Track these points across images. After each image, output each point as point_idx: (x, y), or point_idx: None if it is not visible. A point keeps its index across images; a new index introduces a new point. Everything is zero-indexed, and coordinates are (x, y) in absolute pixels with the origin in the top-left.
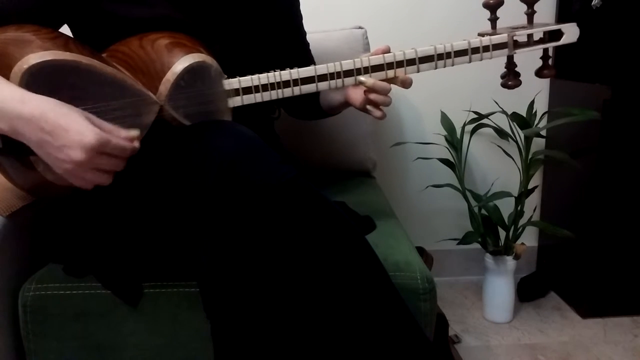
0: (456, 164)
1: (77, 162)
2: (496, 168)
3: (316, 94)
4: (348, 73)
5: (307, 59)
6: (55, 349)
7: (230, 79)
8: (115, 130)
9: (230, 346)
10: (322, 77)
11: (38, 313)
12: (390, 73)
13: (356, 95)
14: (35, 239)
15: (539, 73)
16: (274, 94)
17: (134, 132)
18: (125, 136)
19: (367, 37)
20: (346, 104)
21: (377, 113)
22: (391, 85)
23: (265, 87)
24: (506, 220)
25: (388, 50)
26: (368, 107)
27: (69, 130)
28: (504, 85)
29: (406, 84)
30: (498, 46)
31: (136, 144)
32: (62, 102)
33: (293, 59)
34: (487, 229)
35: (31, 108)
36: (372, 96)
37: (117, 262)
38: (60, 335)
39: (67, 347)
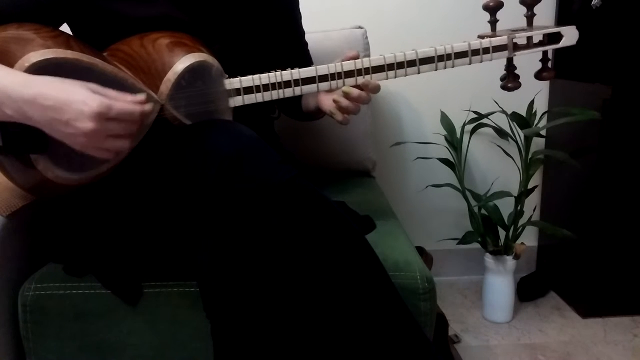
0: (456, 164)
1: (87, 132)
2: (496, 168)
3: (299, 99)
4: (349, 74)
5: (305, 59)
6: (55, 349)
7: (232, 79)
8: (120, 95)
9: (230, 346)
10: (323, 78)
11: (38, 313)
12: (361, 79)
13: (328, 101)
14: (35, 239)
15: (539, 76)
16: (275, 94)
17: (141, 96)
18: (131, 100)
19: (367, 37)
20: (320, 110)
21: (340, 117)
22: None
23: (266, 87)
24: (506, 220)
25: (357, 56)
26: (332, 110)
27: (71, 104)
28: (503, 88)
29: (375, 90)
30: (498, 48)
31: (147, 107)
32: (64, 78)
33: (292, 59)
34: (487, 229)
35: (33, 89)
36: (348, 105)
37: (117, 262)
38: (60, 335)
39: (67, 347)
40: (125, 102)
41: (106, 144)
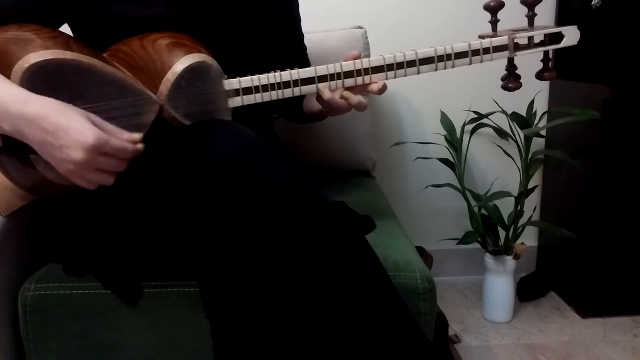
0: (456, 164)
1: (77, 162)
2: (496, 168)
3: (300, 100)
4: (348, 74)
5: (304, 62)
6: (55, 349)
7: (231, 80)
8: (117, 132)
9: (230, 346)
10: (323, 79)
11: (38, 313)
12: (361, 80)
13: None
14: (35, 239)
15: (540, 76)
16: (274, 95)
17: (137, 135)
18: (127, 138)
19: (367, 37)
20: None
21: (356, 100)
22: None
23: (265, 88)
24: (506, 220)
25: (359, 56)
26: (345, 95)
27: (69, 131)
28: (504, 88)
29: (380, 92)
30: (499, 49)
31: (139, 146)
32: (64, 103)
33: (291, 60)
34: (487, 229)
35: (33, 108)
36: (360, 100)
37: (117, 262)
38: (60, 335)
39: (67, 347)
40: (121, 140)
41: (92, 176)
